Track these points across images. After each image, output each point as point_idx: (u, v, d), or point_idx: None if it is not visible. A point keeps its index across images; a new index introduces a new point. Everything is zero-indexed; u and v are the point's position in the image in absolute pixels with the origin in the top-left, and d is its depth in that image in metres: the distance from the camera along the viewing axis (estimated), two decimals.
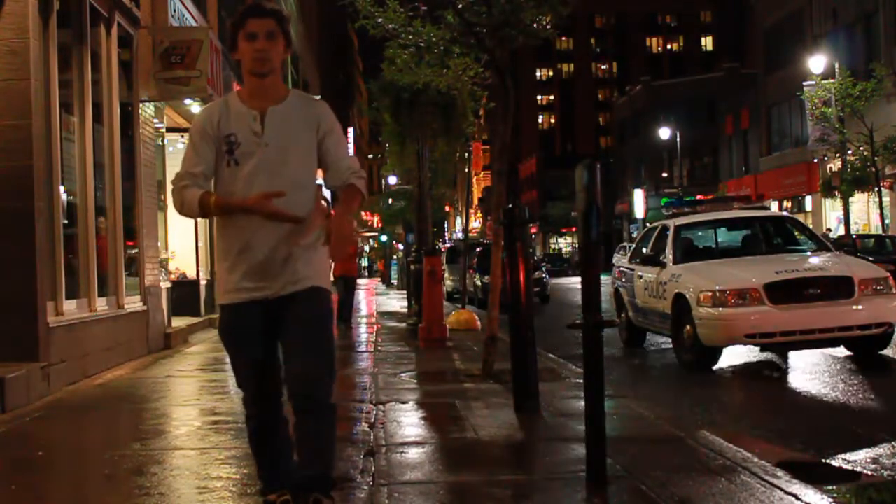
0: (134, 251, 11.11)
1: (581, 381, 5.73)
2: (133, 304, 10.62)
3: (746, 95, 47.49)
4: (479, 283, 23.31)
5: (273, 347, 3.47)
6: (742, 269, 9.75)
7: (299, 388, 3.37)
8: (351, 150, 3.46)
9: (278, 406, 3.53)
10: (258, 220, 3.37)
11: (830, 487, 4.49)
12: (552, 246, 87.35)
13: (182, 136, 15.49)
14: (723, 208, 12.67)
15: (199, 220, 15.65)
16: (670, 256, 10.72)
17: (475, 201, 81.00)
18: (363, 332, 14.85)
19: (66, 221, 8.81)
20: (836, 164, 31.33)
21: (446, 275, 22.93)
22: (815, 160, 35.66)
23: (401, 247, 46.92)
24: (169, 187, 14.76)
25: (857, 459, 5.33)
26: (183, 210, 3.43)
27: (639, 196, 61.69)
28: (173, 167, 14.23)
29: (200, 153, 3.43)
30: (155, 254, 11.83)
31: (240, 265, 3.41)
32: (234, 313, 3.46)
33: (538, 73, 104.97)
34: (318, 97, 3.68)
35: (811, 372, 9.49)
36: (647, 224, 26.87)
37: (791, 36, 39.39)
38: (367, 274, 75.74)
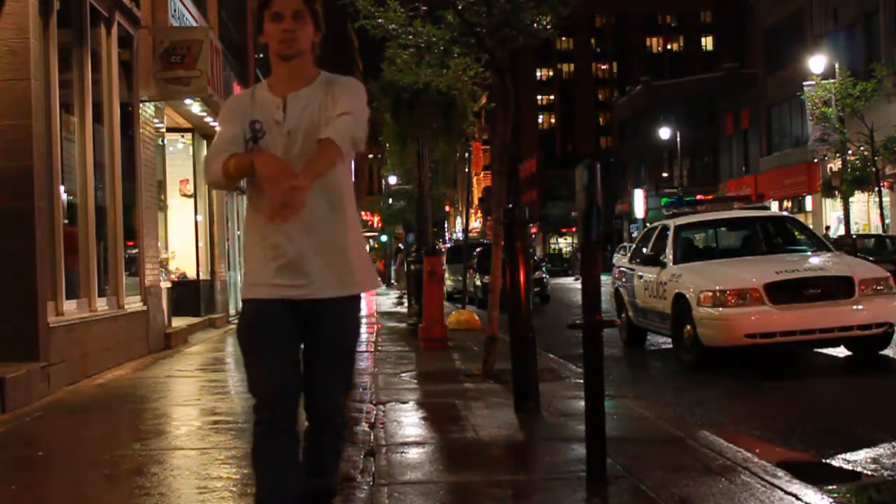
0: (134, 251, 11.11)
1: (581, 381, 5.73)
2: (133, 304, 10.62)
3: (746, 95, 47.50)
4: (479, 283, 23.31)
5: (297, 349, 3.23)
6: (742, 269, 9.75)
7: (320, 407, 3.23)
8: None
9: (293, 414, 3.18)
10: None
11: (830, 487, 4.49)
12: (552, 246, 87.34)
13: (182, 136, 15.51)
14: (723, 208, 12.67)
15: (199, 219, 15.66)
16: (670, 256, 10.72)
17: (475, 201, 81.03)
18: (363, 332, 14.85)
19: (66, 221, 8.81)
20: (836, 164, 31.33)
21: (446, 275, 22.93)
22: (816, 160, 35.66)
23: (401, 246, 46.91)
24: (169, 187, 14.75)
25: (857, 459, 5.33)
26: (210, 178, 3.17)
27: (639, 196, 61.70)
28: (173, 167, 14.37)
29: (230, 128, 3.19)
30: (155, 254, 11.83)
31: (274, 259, 3.15)
32: (261, 307, 3.17)
33: (538, 73, 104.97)
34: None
35: (812, 372, 9.50)
36: (647, 224, 26.87)
37: (791, 36, 39.38)
38: None
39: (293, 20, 3.14)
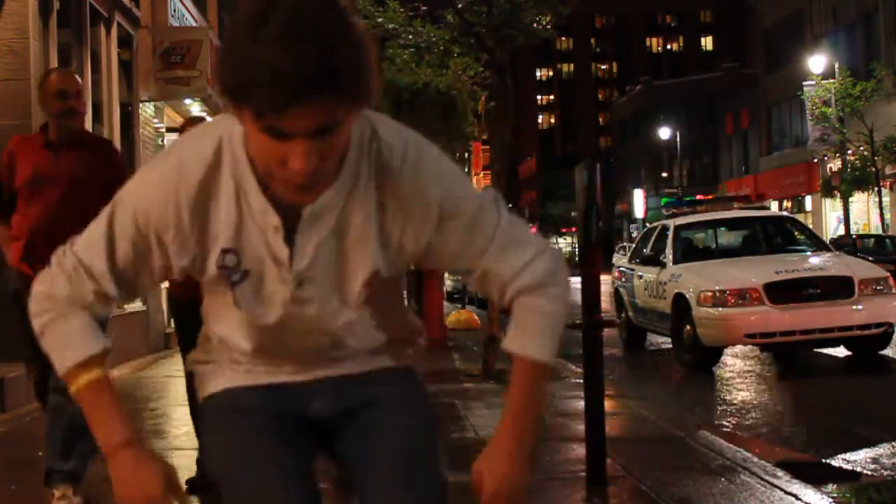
0: None
1: (581, 381, 5.73)
2: (133, 304, 10.61)
3: (746, 95, 47.50)
4: None
5: None
6: (742, 269, 9.75)
7: None
8: None
9: None
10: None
11: (830, 487, 4.49)
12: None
13: None
14: (723, 208, 12.67)
15: None
16: (670, 256, 10.72)
17: None
18: None
19: None
20: (836, 164, 31.33)
21: (446, 274, 22.89)
22: (815, 160, 35.65)
23: None
24: None
25: (857, 459, 5.33)
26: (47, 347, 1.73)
27: (639, 196, 61.71)
28: None
29: (122, 241, 1.64)
30: None
31: None
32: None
33: (538, 73, 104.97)
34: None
35: (811, 372, 9.50)
36: (647, 224, 26.89)
37: (791, 36, 39.39)
38: None
39: (311, 139, 1.38)
